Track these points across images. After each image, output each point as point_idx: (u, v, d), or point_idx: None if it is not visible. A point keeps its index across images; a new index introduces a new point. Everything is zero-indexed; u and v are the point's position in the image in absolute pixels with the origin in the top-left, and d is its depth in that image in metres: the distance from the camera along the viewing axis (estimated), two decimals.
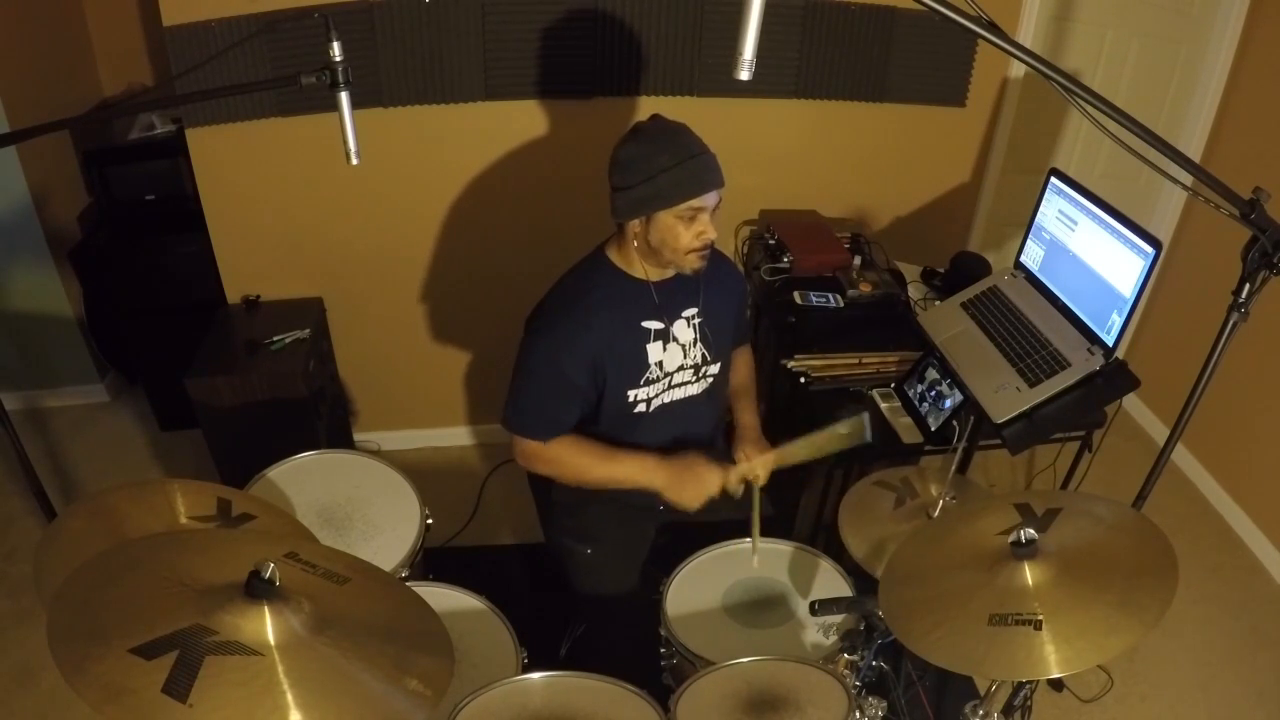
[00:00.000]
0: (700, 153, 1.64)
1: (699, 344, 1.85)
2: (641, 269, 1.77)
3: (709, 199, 1.66)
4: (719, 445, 2.05)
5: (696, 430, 1.94)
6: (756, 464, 1.84)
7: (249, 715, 0.96)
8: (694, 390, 1.88)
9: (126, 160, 2.95)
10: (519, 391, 1.77)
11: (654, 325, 1.78)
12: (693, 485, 1.75)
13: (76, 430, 3.26)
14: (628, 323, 1.76)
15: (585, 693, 1.44)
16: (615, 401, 1.79)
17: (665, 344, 1.80)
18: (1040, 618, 1.22)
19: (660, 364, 1.80)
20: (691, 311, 1.82)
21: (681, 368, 1.84)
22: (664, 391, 1.83)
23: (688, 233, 1.66)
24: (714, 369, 1.89)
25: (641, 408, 1.82)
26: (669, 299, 1.79)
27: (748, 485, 1.86)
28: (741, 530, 1.84)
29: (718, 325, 1.87)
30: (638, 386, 1.79)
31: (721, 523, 1.91)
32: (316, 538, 1.66)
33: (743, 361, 2.08)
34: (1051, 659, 1.19)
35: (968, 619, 1.27)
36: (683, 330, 1.82)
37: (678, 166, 1.61)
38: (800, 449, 1.82)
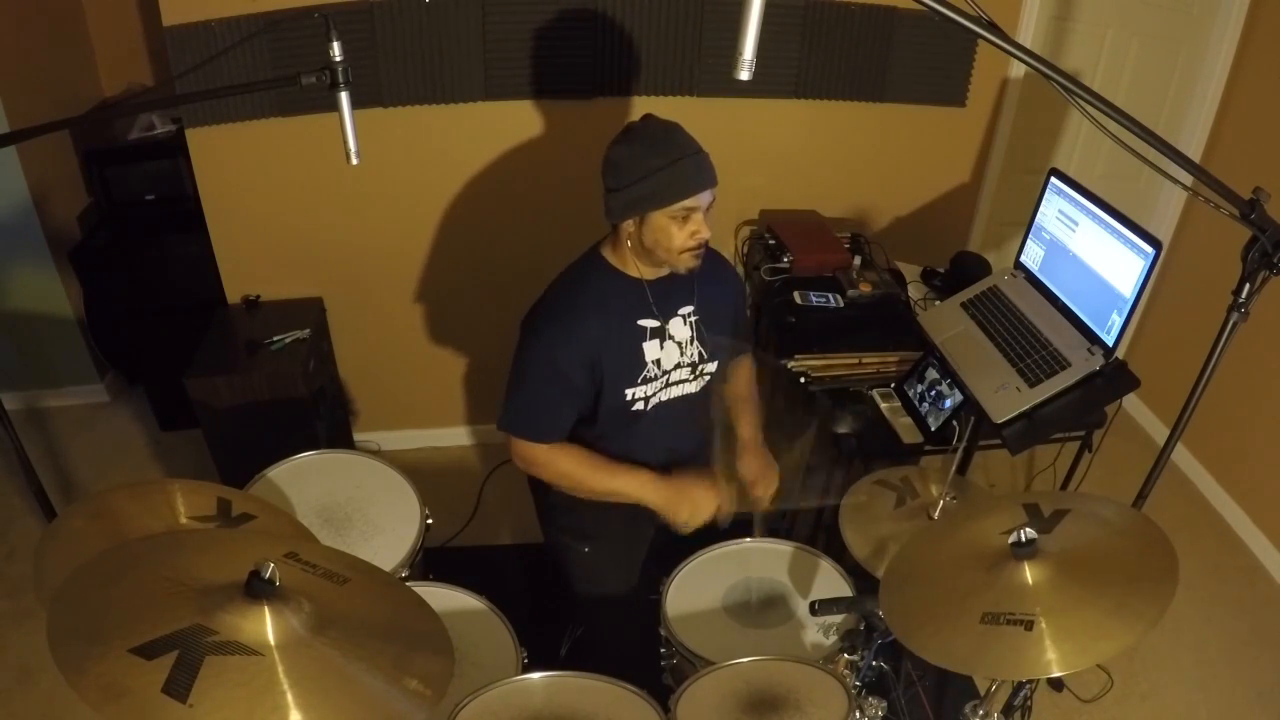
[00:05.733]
0: (693, 152, 1.64)
1: (696, 342, 1.85)
2: (636, 268, 1.77)
3: (702, 198, 1.65)
4: (715, 445, 2.05)
5: (694, 428, 1.95)
6: (759, 485, 1.86)
7: (249, 715, 0.96)
8: (692, 389, 1.88)
9: (126, 160, 2.95)
10: (515, 392, 1.76)
11: (650, 323, 1.78)
12: (688, 506, 1.76)
13: (76, 430, 3.26)
14: (623, 321, 1.76)
15: (585, 693, 1.44)
16: (613, 400, 1.79)
17: (662, 342, 1.80)
18: (1032, 618, 1.22)
19: (658, 362, 1.80)
20: (687, 309, 1.82)
21: (679, 365, 1.84)
22: (662, 390, 1.83)
23: (681, 232, 1.66)
24: (711, 367, 1.89)
25: (639, 406, 1.81)
26: (664, 297, 1.79)
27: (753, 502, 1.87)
28: (741, 530, 1.85)
29: (714, 323, 1.87)
30: (635, 385, 1.79)
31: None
32: (316, 538, 1.66)
33: (743, 373, 2.06)
34: (1040, 660, 1.19)
35: (961, 617, 1.27)
36: (679, 328, 1.82)
37: (670, 166, 1.61)
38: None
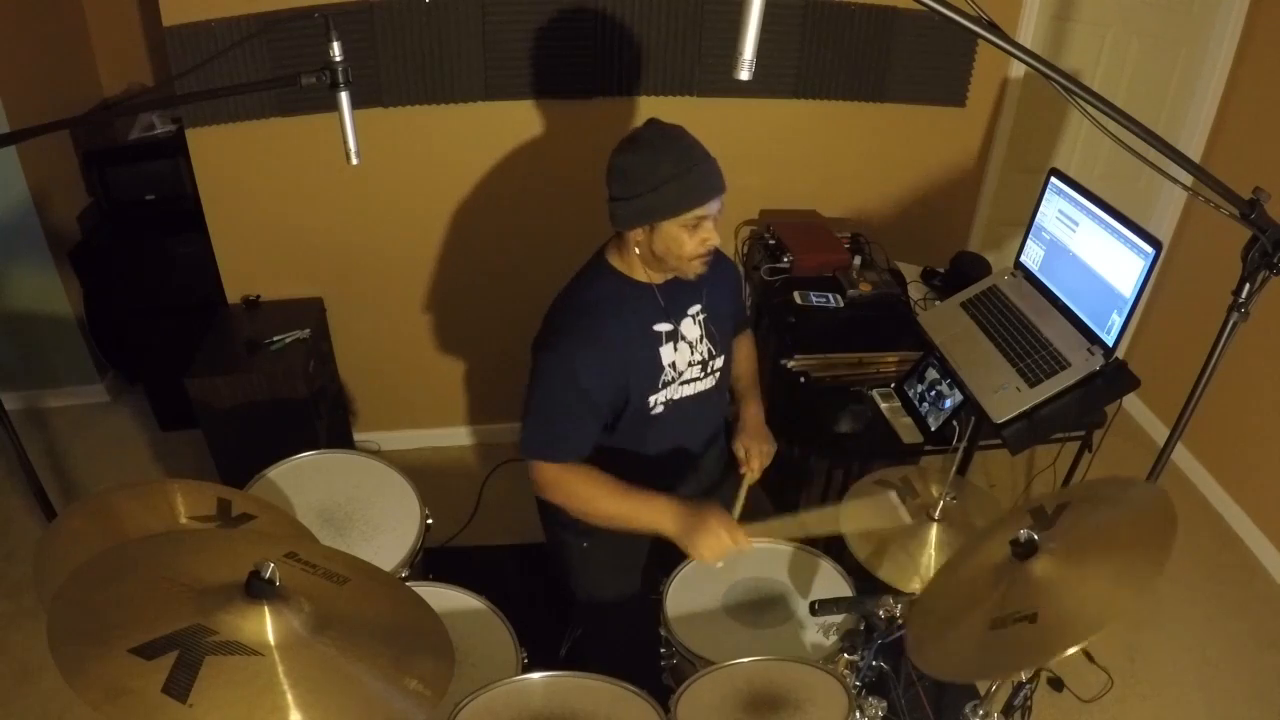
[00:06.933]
0: (703, 160, 1.63)
1: (705, 339, 1.85)
2: (644, 273, 1.76)
3: (712, 206, 1.65)
4: (723, 440, 2.06)
5: (706, 423, 1.95)
6: (753, 456, 1.85)
7: (249, 715, 0.96)
8: (704, 385, 1.88)
9: (126, 160, 2.95)
10: (534, 413, 1.72)
11: (664, 328, 1.77)
12: (708, 539, 1.63)
13: (76, 430, 3.26)
14: (640, 329, 1.75)
15: (585, 693, 1.44)
16: (637, 409, 1.78)
17: (675, 344, 1.80)
18: (1035, 610, 1.21)
19: (673, 364, 1.80)
20: (696, 308, 1.83)
21: (691, 364, 1.84)
22: (677, 389, 1.84)
23: (692, 240, 1.66)
24: (720, 362, 1.90)
25: (660, 409, 1.82)
26: (674, 299, 1.79)
27: (738, 478, 1.87)
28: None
29: (721, 318, 1.88)
30: (656, 391, 1.78)
31: None
32: (316, 538, 1.66)
33: (744, 349, 2.07)
34: (1050, 646, 1.18)
35: (974, 630, 1.27)
36: (689, 328, 1.82)
37: (682, 176, 1.59)
38: (781, 528, 1.76)
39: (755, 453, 1.87)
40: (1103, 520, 1.33)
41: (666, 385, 1.80)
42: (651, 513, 1.69)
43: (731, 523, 1.66)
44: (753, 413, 1.97)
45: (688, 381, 1.85)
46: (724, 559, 1.65)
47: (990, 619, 1.25)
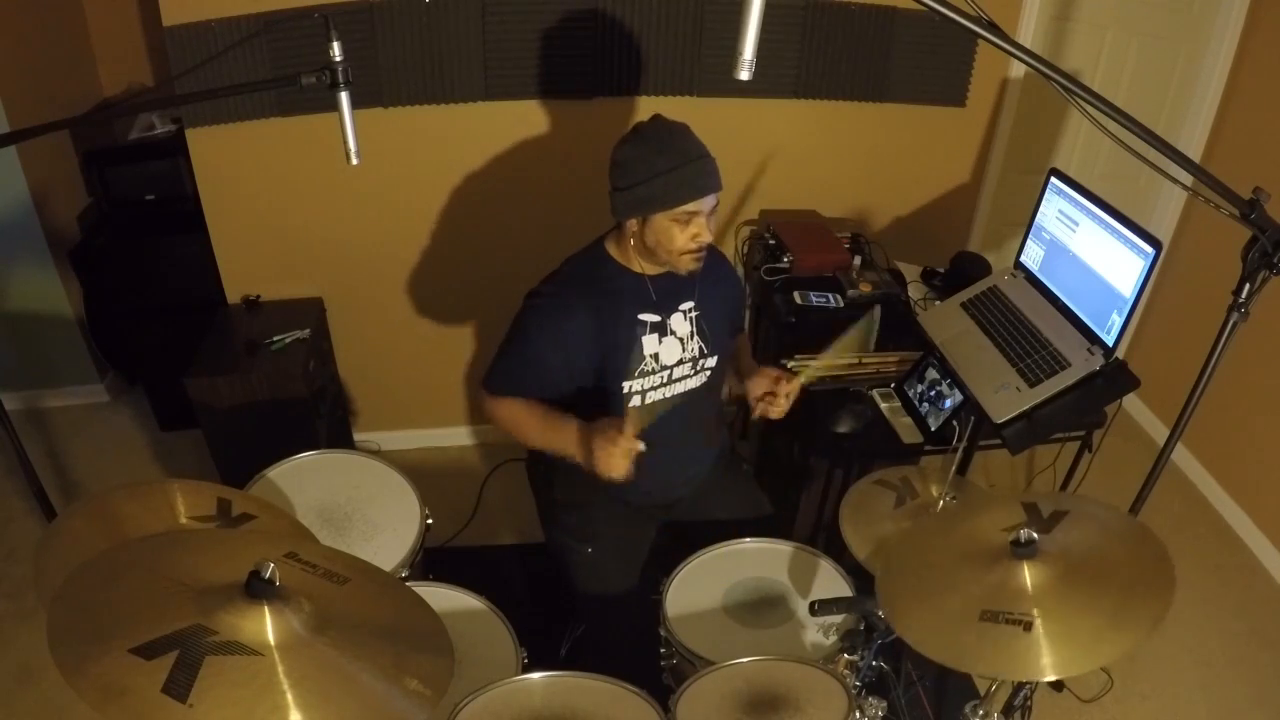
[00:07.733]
0: (698, 157, 1.65)
1: (696, 337, 1.86)
2: (639, 264, 1.79)
3: (705, 203, 1.67)
4: (723, 433, 2.06)
5: (698, 421, 1.95)
6: (779, 386, 1.82)
7: (249, 715, 0.96)
8: (693, 384, 1.89)
9: (126, 160, 2.95)
10: (502, 355, 1.83)
11: (651, 318, 1.80)
12: (602, 458, 1.63)
13: (76, 430, 3.26)
14: (622, 315, 1.78)
15: (585, 693, 1.45)
16: (610, 391, 1.81)
17: (661, 337, 1.81)
18: (1030, 619, 1.22)
19: (656, 356, 1.81)
20: (688, 305, 1.84)
21: (680, 361, 1.85)
22: (663, 385, 1.84)
23: (683, 235, 1.68)
24: (712, 361, 1.90)
25: (636, 400, 1.82)
26: (665, 293, 1.81)
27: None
28: (741, 531, 1.85)
29: (715, 319, 1.89)
30: (632, 378, 1.80)
31: (722, 523, 1.92)
32: (316, 538, 1.66)
33: (739, 340, 2.10)
34: (1038, 662, 1.19)
35: (960, 611, 1.28)
36: (680, 324, 1.83)
37: (674, 170, 1.62)
38: (820, 364, 1.85)
39: (776, 384, 1.83)
40: (1103, 551, 1.34)
41: (646, 374, 1.82)
42: (563, 444, 1.75)
43: (614, 432, 1.63)
44: (749, 363, 2.01)
45: (678, 380, 1.86)
46: (626, 469, 1.64)
47: (980, 610, 1.26)
